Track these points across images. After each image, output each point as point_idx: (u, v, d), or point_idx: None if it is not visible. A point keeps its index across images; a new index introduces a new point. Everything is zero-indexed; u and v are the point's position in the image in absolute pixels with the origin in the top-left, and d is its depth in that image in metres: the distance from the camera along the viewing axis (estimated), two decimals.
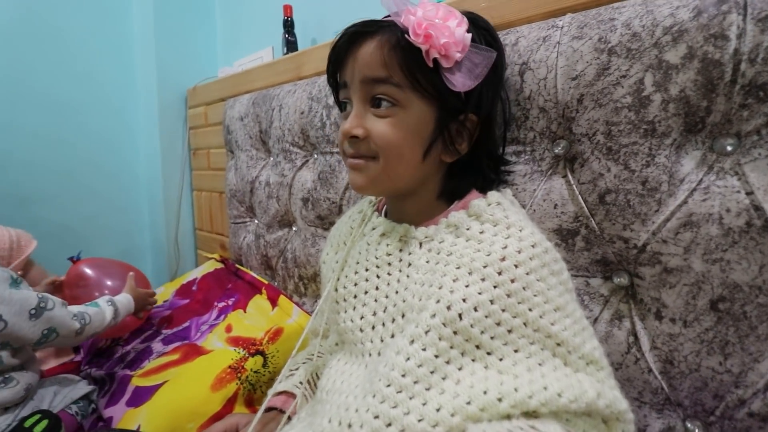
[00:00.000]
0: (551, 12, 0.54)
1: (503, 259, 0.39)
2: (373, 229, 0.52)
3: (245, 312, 0.91)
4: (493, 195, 0.45)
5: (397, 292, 0.45)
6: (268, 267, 1.03)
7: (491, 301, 0.38)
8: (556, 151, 0.52)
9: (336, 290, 0.51)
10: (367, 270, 0.49)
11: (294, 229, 0.96)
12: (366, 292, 0.48)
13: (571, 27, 0.50)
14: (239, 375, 0.72)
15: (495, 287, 0.38)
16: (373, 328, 0.46)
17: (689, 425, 0.46)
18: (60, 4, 1.28)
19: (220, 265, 1.16)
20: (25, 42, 1.24)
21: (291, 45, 1.10)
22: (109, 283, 0.89)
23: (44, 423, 0.65)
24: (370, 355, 0.45)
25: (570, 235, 0.51)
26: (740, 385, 0.42)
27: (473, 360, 0.38)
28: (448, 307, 0.38)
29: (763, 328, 0.41)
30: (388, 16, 0.43)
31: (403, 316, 0.43)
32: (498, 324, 0.38)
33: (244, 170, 1.08)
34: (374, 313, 0.46)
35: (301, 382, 0.55)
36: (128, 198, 1.47)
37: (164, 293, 1.09)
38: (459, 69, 0.42)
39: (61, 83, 1.31)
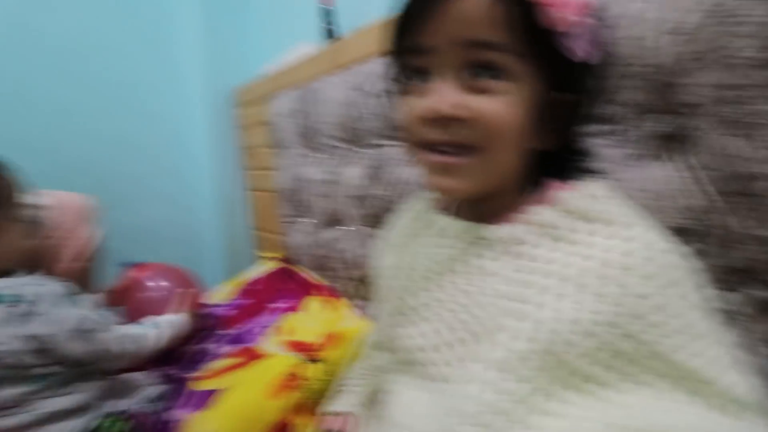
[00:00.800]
0: None
1: (627, 269, 0.30)
2: (439, 230, 0.43)
3: (300, 314, 0.89)
4: (591, 186, 0.35)
5: (465, 306, 0.37)
6: (321, 267, 1.00)
7: (611, 325, 0.30)
8: (658, 128, 0.41)
9: (393, 301, 0.45)
10: (427, 279, 0.42)
11: (345, 228, 0.92)
12: (426, 305, 0.41)
13: None
14: (301, 383, 0.70)
15: (617, 306, 0.30)
16: (438, 349, 0.39)
17: None
18: (115, 19, 1.33)
19: (277, 265, 1.17)
20: (96, 54, 1.31)
21: (330, 33, 1.05)
22: (166, 289, 0.91)
23: (120, 424, 0.67)
24: (435, 381, 0.39)
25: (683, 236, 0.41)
26: None
27: (578, 392, 0.30)
28: (552, 331, 0.30)
29: None
30: None
31: (476, 336, 0.35)
32: (616, 354, 0.30)
33: (292, 168, 1.06)
34: (437, 331, 0.39)
35: (362, 403, 0.51)
36: (191, 200, 1.53)
37: (223, 293, 1.11)
38: (576, 34, 0.33)
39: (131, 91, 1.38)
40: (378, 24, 0.79)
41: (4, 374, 0.63)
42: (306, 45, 1.25)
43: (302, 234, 1.08)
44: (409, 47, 0.35)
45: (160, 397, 0.78)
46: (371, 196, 0.79)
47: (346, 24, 1.10)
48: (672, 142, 0.41)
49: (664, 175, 0.41)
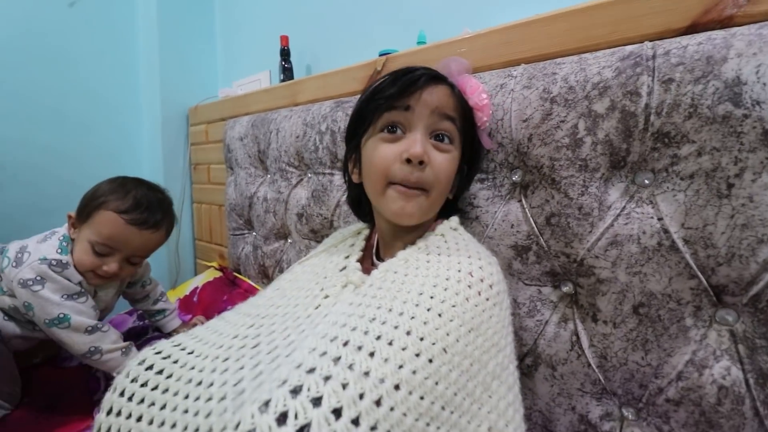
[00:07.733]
0: (508, 62, 0.64)
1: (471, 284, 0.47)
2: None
3: None
4: (453, 220, 0.57)
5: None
6: (265, 276, 1.11)
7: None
8: (514, 178, 0.61)
9: None
10: None
11: (289, 241, 1.05)
12: None
13: (522, 77, 0.59)
14: None
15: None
16: None
17: (624, 412, 0.55)
18: (70, 28, 1.37)
19: (218, 274, 1.24)
20: (37, 62, 1.33)
21: (287, 72, 1.20)
22: None
23: None
24: None
25: (524, 251, 0.60)
26: (658, 376, 0.51)
27: None
28: None
29: (673, 328, 0.50)
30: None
31: None
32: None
33: (243, 186, 1.16)
34: None
35: None
36: None
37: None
38: (485, 130, 0.57)
39: (71, 101, 1.39)
40: (325, 74, 0.95)
41: None
42: (261, 76, 1.39)
43: (248, 245, 1.18)
44: (398, 105, 0.50)
45: None
46: (312, 214, 0.93)
47: (298, 64, 1.26)
48: (521, 189, 0.61)
49: (515, 210, 0.61)
